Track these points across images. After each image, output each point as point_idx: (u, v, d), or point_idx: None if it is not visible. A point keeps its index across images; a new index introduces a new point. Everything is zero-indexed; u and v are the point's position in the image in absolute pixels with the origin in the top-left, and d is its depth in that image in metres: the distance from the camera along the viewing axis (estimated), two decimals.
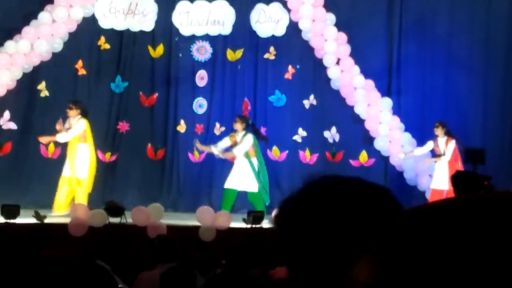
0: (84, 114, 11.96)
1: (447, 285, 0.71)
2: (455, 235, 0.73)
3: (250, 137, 11.97)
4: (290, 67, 13.47)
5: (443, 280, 0.71)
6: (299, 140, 13.47)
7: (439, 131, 12.32)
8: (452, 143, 12.23)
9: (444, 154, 12.25)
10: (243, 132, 12.00)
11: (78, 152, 11.84)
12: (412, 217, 0.79)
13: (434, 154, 12.44)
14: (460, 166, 12.05)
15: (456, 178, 7.30)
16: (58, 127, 11.87)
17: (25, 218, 10.77)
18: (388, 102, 13.12)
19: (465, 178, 7.34)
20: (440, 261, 0.72)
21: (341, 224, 1.22)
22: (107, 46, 13.40)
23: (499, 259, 0.70)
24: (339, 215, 1.22)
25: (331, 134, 13.45)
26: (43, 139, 12.31)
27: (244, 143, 11.94)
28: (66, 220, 10.69)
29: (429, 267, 0.72)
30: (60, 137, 11.87)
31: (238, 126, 12.04)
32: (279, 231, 1.28)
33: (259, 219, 11.01)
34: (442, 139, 12.31)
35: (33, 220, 10.67)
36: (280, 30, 13.41)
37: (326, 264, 1.11)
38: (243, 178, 11.97)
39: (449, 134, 12.31)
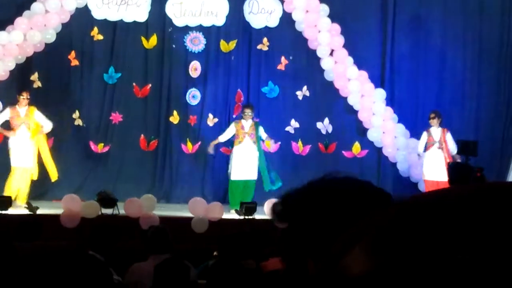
0: None
1: (440, 276, 0.71)
2: (448, 226, 0.73)
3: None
4: (283, 58, 13.45)
5: (436, 270, 0.71)
6: (292, 131, 13.46)
7: (434, 122, 12.30)
8: (449, 135, 12.23)
9: (438, 143, 12.20)
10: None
11: None
12: (405, 207, 0.79)
13: (426, 145, 12.39)
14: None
15: (452, 168, 7.34)
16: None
17: (18, 209, 10.77)
18: (381, 93, 13.12)
19: (459, 169, 7.39)
20: (433, 252, 0.72)
21: (338, 215, 1.23)
22: (100, 37, 13.37)
23: (492, 251, 0.70)
24: (338, 208, 1.24)
25: (324, 125, 13.44)
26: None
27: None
28: (59, 211, 10.67)
29: (421, 257, 0.72)
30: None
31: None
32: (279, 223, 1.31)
33: (251, 211, 11.02)
34: (436, 129, 12.30)
35: (26, 211, 10.66)
36: (273, 21, 13.38)
37: (320, 254, 1.11)
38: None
39: (441, 125, 12.33)
